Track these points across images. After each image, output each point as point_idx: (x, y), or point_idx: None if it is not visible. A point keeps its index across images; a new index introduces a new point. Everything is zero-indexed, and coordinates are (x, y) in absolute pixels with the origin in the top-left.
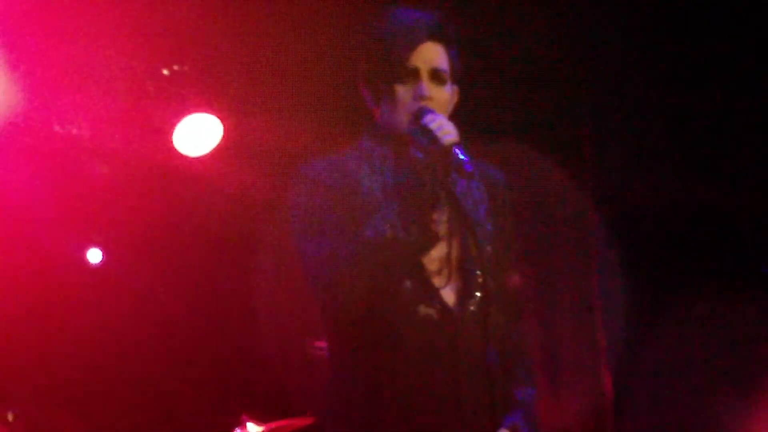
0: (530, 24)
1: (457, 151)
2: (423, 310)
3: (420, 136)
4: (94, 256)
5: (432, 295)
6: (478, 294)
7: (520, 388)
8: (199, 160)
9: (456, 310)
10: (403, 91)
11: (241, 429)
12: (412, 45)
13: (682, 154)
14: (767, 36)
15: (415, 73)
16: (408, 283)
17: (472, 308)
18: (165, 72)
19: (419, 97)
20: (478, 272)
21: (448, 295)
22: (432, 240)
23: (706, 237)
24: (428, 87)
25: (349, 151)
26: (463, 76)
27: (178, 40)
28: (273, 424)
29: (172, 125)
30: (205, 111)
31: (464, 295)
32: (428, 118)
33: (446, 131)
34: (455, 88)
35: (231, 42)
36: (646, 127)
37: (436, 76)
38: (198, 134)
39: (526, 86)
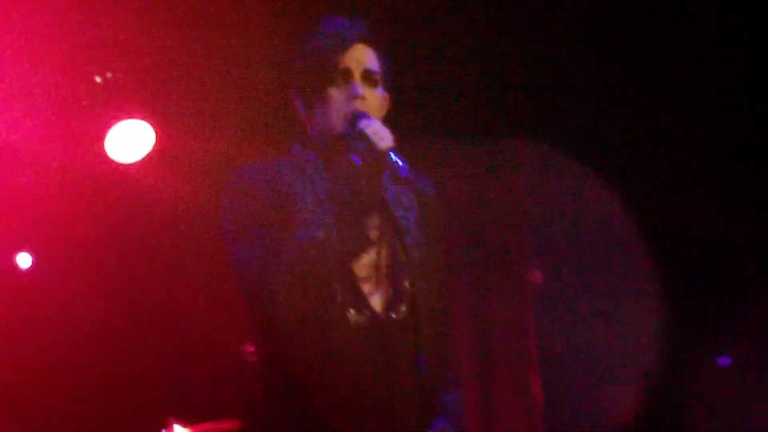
0: (464, 33)
1: (393, 156)
2: (352, 316)
3: (355, 140)
4: (24, 260)
5: (361, 301)
6: (406, 301)
7: (448, 393)
8: (131, 166)
9: (384, 317)
10: (336, 93)
11: (168, 431)
12: (343, 46)
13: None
14: None
15: (347, 74)
16: (338, 289)
17: (400, 315)
18: (97, 79)
19: (353, 97)
20: (406, 280)
21: (377, 302)
22: (364, 245)
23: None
24: (361, 87)
25: (279, 157)
26: (394, 83)
27: (111, 48)
28: (200, 427)
29: (104, 132)
30: (138, 118)
31: (393, 301)
32: (363, 123)
33: (381, 136)
34: (386, 95)
35: (163, 49)
36: (582, 133)
37: (368, 77)
38: (130, 141)
39: (458, 96)
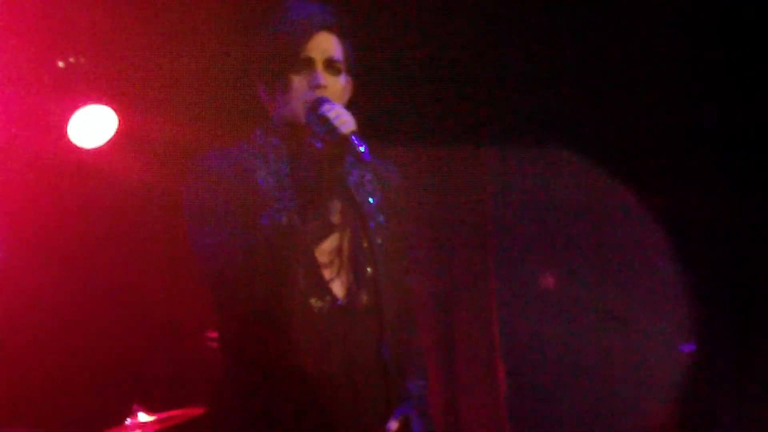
0: (432, 20)
1: (355, 140)
2: (314, 302)
3: (317, 125)
4: None
5: (323, 287)
6: (368, 287)
7: (412, 380)
8: (94, 151)
9: (346, 303)
10: (298, 81)
11: (132, 419)
12: (307, 35)
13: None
14: None
15: (309, 63)
16: (300, 275)
17: (362, 301)
18: (60, 64)
19: (314, 86)
20: (368, 266)
21: (338, 288)
22: (327, 230)
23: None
24: (323, 76)
25: (242, 143)
26: (357, 68)
27: (74, 32)
28: (164, 414)
29: (67, 117)
30: (100, 103)
31: (354, 287)
32: (325, 108)
33: (343, 120)
34: (349, 79)
35: (127, 34)
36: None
37: (330, 65)
38: (93, 126)
39: (426, 83)
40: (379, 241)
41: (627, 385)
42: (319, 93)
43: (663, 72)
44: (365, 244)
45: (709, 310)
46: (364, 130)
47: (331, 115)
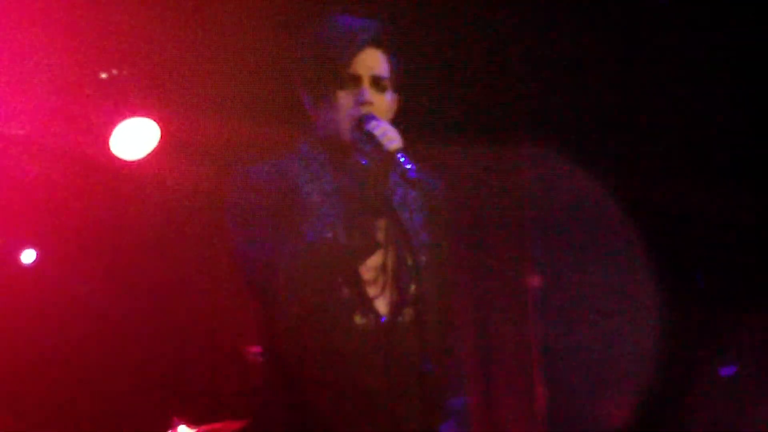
0: (475, 31)
1: (401, 157)
2: (358, 319)
3: (364, 142)
4: (28, 256)
5: (367, 304)
6: (411, 305)
7: (453, 397)
8: (136, 163)
9: (389, 321)
10: (344, 97)
11: (173, 431)
12: (354, 51)
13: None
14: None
15: (356, 80)
16: (345, 291)
17: (406, 319)
18: (103, 75)
19: (360, 102)
20: (413, 283)
21: (382, 305)
22: (373, 247)
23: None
24: (370, 92)
25: (288, 156)
26: (404, 83)
27: (117, 44)
28: (205, 428)
29: (110, 129)
30: (143, 115)
31: (398, 305)
32: (372, 125)
33: (390, 137)
34: (395, 96)
35: (169, 46)
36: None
37: (377, 83)
38: (135, 138)
39: (467, 92)
40: (424, 258)
41: (670, 406)
42: (365, 110)
43: (670, 71)
44: (409, 262)
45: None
46: (407, 136)
47: (378, 132)
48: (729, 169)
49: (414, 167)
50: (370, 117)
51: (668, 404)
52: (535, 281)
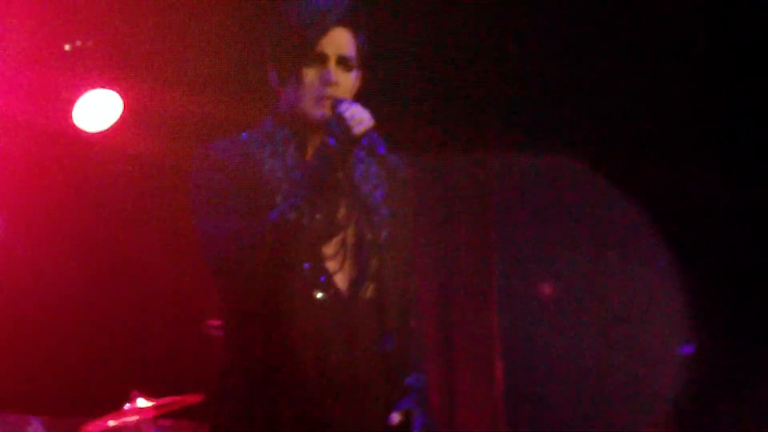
0: (444, 13)
1: (372, 137)
2: (317, 294)
3: (335, 125)
4: None
5: (326, 279)
6: (372, 280)
7: (413, 373)
8: (99, 135)
9: (349, 296)
10: (310, 75)
11: (131, 404)
12: (322, 30)
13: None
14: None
15: (323, 58)
16: (305, 267)
17: (366, 294)
18: (66, 47)
19: (326, 82)
20: (373, 259)
21: (342, 280)
22: (336, 228)
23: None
24: (336, 72)
25: (251, 132)
26: (369, 61)
27: (80, 15)
28: (163, 400)
29: (72, 101)
30: (106, 87)
31: (358, 280)
32: (343, 107)
33: (360, 119)
34: (359, 74)
35: (134, 18)
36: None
37: (343, 62)
38: (97, 110)
39: (435, 73)
40: (384, 233)
41: (627, 387)
42: (330, 90)
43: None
44: (369, 237)
45: (710, 309)
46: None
47: (348, 114)
48: (727, 163)
49: (383, 144)
50: (342, 100)
51: (631, 404)
52: (543, 290)
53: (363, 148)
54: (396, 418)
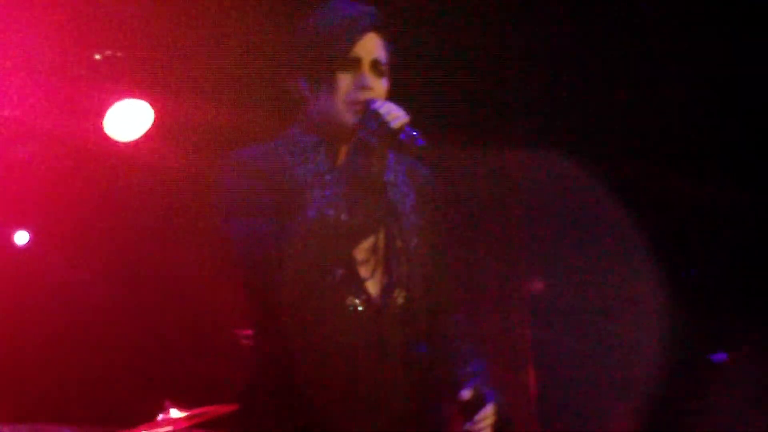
0: (473, 22)
1: (407, 130)
2: (349, 300)
3: (371, 122)
4: (21, 237)
5: (358, 286)
6: (402, 287)
7: (468, 364)
8: (130, 145)
9: (380, 302)
10: (344, 80)
11: (164, 414)
12: (356, 34)
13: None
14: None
15: (357, 63)
16: (338, 272)
17: (397, 301)
18: (97, 57)
19: (360, 87)
20: (403, 266)
21: (373, 287)
22: (373, 225)
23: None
24: (369, 77)
25: (278, 140)
26: (398, 71)
27: (111, 25)
28: (196, 411)
29: (103, 110)
30: (137, 96)
31: (389, 287)
32: (377, 104)
33: (395, 115)
34: (389, 78)
35: (165, 27)
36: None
37: (376, 67)
38: (129, 120)
39: (458, 83)
40: (414, 241)
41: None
42: (364, 94)
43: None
44: (399, 244)
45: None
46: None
47: (383, 110)
48: (729, 165)
49: (421, 137)
50: (374, 100)
51: (663, 401)
52: (531, 287)
53: (402, 144)
54: (467, 394)
